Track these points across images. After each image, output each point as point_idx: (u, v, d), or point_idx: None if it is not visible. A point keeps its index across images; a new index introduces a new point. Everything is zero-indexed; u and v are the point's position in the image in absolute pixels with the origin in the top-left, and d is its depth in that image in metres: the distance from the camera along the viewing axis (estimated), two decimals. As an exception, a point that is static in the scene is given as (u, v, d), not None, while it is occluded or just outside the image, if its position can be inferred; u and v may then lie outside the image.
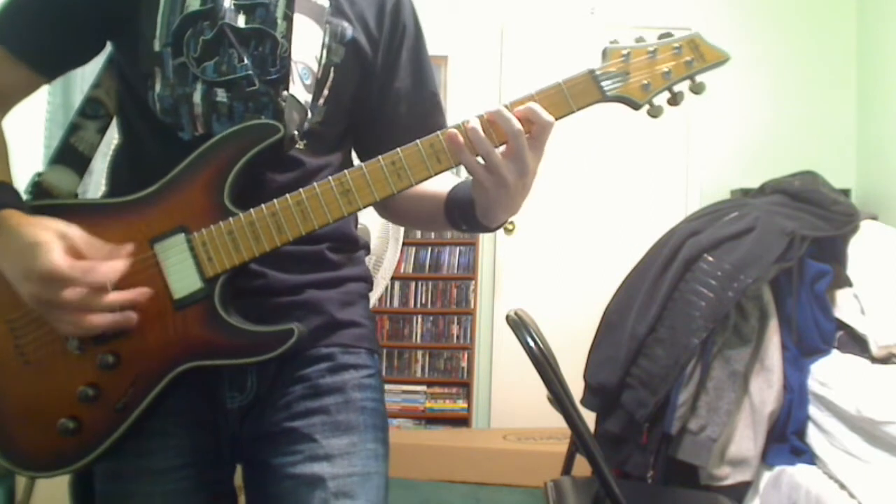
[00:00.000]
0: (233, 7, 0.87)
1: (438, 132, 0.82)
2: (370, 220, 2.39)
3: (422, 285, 3.74)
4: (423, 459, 3.20)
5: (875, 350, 2.32)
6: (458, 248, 3.75)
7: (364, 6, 0.96)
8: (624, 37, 0.86)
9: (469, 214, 0.90)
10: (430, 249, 3.75)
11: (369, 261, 2.46)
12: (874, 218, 2.81)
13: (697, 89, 0.86)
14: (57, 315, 0.77)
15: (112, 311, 0.77)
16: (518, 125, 0.79)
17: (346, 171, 0.82)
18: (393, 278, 3.54)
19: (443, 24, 3.78)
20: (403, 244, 2.74)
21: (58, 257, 0.74)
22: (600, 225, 3.77)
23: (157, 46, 0.86)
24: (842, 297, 2.45)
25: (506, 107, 0.81)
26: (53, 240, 0.75)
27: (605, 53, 0.84)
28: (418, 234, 3.74)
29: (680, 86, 0.85)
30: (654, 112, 0.86)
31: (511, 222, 3.78)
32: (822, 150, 3.68)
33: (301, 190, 0.82)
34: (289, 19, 0.88)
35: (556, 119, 0.82)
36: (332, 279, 0.94)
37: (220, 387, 0.89)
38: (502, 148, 0.81)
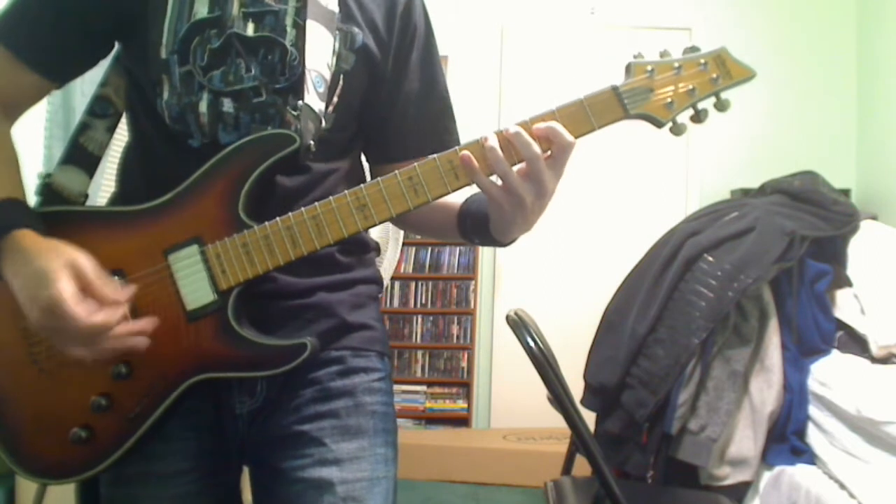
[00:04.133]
0: (241, 15, 0.86)
1: (455, 148, 0.80)
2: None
3: (422, 285, 3.74)
4: (423, 459, 3.20)
5: (875, 350, 2.32)
6: (458, 248, 3.75)
7: (374, 9, 0.95)
8: (636, 44, 0.84)
9: (482, 228, 0.89)
10: (430, 249, 3.75)
11: (369, 261, 2.46)
12: (874, 218, 2.82)
13: (722, 107, 0.83)
14: (57, 341, 0.77)
15: (107, 348, 0.77)
16: (537, 149, 0.77)
17: (362, 185, 0.81)
18: (393, 278, 3.54)
19: (443, 24, 3.75)
20: (403, 244, 2.74)
21: (64, 290, 0.73)
22: (600, 225, 3.77)
23: (164, 54, 0.85)
24: (842, 297, 2.45)
25: (525, 123, 0.78)
26: (61, 269, 0.74)
27: (628, 69, 0.82)
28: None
29: (704, 103, 0.83)
30: (677, 130, 0.83)
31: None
32: (822, 150, 3.68)
33: (317, 204, 0.81)
34: (299, 27, 0.87)
35: (577, 137, 0.79)
36: (343, 281, 0.94)
37: (230, 392, 0.89)
38: (521, 165, 0.79)
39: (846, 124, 3.77)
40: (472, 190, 0.91)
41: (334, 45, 0.90)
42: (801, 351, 2.32)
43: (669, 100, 0.81)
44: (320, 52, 0.88)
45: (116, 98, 0.96)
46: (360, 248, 0.97)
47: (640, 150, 3.79)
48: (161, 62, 0.85)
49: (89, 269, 0.76)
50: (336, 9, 0.91)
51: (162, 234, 0.82)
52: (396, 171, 0.80)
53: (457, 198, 0.93)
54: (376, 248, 1.02)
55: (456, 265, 3.75)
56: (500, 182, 0.79)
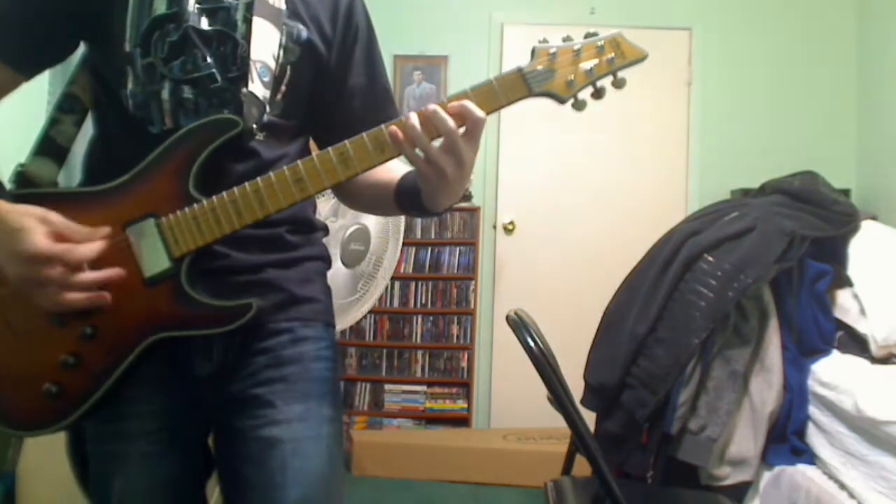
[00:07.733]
0: (196, 10, 0.95)
1: (382, 125, 0.89)
2: (370, 221, 2.39)
3: (422, 285, 3.74)
4: (423, 459, 3.21)
5: (875, 350, 2.32)
6: (458, 248, 3.75)
7: (318, 9, 1.04)
8: (554, 37, 0.92)
9: (416, 201, 0.98)
10: (430, 249, 3.75)
11: (369, 261, 2.46)
12: (874, 218, 2.81)
13: (619, 84, 0.93)
14: (39, 292, 0.86)
15: (88, 289, 0.87)
16: (451, 124, 0.86)
17: (299, 161, 0.91)
18: (393, 278, 3.53)
19: (443, 24, 3.78)
20: (403, 244, 2.73)
21: (40, 240, 0.84)
22: (600, 225, 3.77)
23: (127, 47, 0.93)
24: (842, 297, 2.45)
25: (443, 103, 0.88)
26: (36, 225, 0.85)
27: (533, 52, 0.91)
28: (418, 233, 3.74)
29: (602, 81, 0.92)
30: (578, 106, 0.93)
31: (511, 222, 3.79)
32: (822, 150, 3.68)
33: (258, 179, 0.90)
34: (248, 22, 0.96)
35: (489, 112, 0.89)
36: (291, 259, 1.03)
37: (190, 355, 0.98)
38: (440, 141, 0.88)
39: (846, 124, 3.77)
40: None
41: (281, 39, 0.99)
42: (801, 351, 2.32)
43: (571, 78, 0.91)
44: (266, 45, 0.97)
45: (83, 95, 1.04)
46: (308, 228, 1.07)
47: (641, 150, 3.79)
48: (125, 55, 0.93)
49: (58, 220, 0.86)
50: (283, 6, 1.00)
51: (121, 210, 0.92)
52: (329, 148, 0.90)
53: (396, 175, 1.05)
54: (324, 228, 1.12)
55: (456, 265, 3.74)
56: (422, 155, 0.88)
